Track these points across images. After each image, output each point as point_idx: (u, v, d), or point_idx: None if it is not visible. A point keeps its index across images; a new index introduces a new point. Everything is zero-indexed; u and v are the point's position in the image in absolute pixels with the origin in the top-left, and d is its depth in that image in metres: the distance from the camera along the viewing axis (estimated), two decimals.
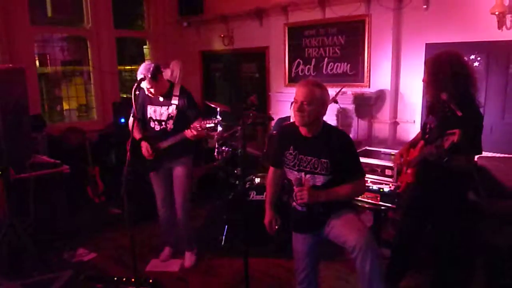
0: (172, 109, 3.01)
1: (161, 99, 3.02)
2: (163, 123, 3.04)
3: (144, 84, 2.88)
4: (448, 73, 2.22)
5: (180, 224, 3.25)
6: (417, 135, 2.71)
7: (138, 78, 2.77)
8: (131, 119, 3.06)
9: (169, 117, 3.02)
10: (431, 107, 2.47)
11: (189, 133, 2.91)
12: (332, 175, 2.16)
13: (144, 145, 3.04)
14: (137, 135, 3.08)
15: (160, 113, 3.04)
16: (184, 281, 3.09)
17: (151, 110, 3.06)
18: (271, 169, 2.48)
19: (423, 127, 2.53)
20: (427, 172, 2.40)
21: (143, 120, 3.12)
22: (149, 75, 2.83)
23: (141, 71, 2.85)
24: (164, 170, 3.17)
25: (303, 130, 2.21)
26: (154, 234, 3.75)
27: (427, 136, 2.44)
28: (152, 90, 2.91)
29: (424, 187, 2.46)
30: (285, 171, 2.33)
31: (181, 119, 3.01)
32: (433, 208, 2.41)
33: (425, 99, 3.67)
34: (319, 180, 2.17)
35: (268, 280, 3.05)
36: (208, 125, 2.85)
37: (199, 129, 2.86)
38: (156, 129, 3.07)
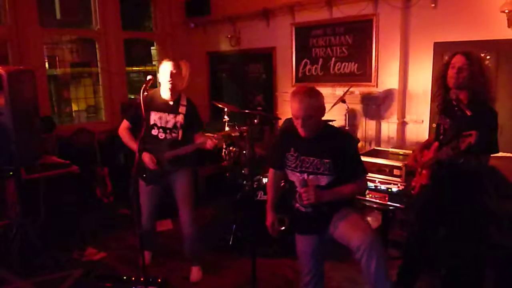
0: (180, 118, 2.92)
1: (171, 103, 2.92)
2: (168, 131, 2.92)
3: (166, 79, 2.82)
4: (478, 73, 2.24)
5: (189, 238, 3.07)
6: (430, 137, 2.69)
7: (147, 79, 2.75)
8: (123, 126, 2.99)
9: (177, 126, 2.92)
10: (443, 107, 2.46)
11: (210, 143, 2.80)
12: (336, 174, 2.16)
13: (148, 156, 2.87)
14: (134, 145, 2.88)
15: (166, 120, 2.92)
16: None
17: (156, 117, 2.92)
18: (271, 171, 2.48)
19: (437, 127, 2.52)
20: (442, 173, 2.38)
21: (134, 128, 2.98)
22: (179, 69, 2.82)
23: (170, 65, 2.83)
24: (161, 182, 3.01)
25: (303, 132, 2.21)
26: (163, 234, 3.78)
27: (441, 137, 2.43)
28: (170, 91, 2.86)
29: (438, 188, 2.44)
30: (286, 173, 2.33)
31: (187, 129, 2.95)
32: (446, 209, 2.39)
33: (434, 99, 3.63)
34: (323, 180, 2.17)
35: (275, 280, 3.06)
36: (233, 134, 2.91)
37: (220, 140, 2.82)
38: (160, 137, 2.93)
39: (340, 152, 2.15)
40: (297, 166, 2.22)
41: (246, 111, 3.68)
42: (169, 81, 2.83)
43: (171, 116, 2.92)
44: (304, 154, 2.20)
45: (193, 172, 3.12)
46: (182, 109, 2.93)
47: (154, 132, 2.93)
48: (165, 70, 2.84)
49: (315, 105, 2.10)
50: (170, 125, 2.92)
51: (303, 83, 4.92)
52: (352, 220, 2.18)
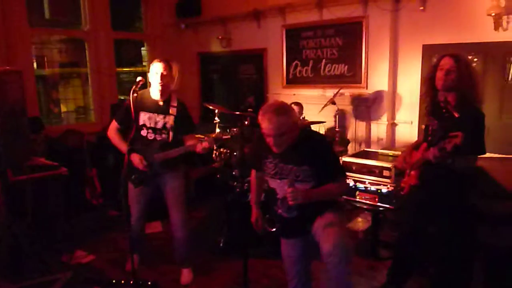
0: (171, 119, 2.86)
1: (160, 103, 2.87)
2: (158, 132, 2.87)
3: (156, 80, 2.77)
4: (466, 75, 2.26)
5: (180, 242, 3.04)
6: (419, 138, 2.72)
7: (137, 80, 2.67)
8: (112, 127, 2.92)
9: (167, 127, 2.86)
10: (431, 109, 2.48)
11: (200, 146, 2.78)
12: (315, 180, 2.14)
13: (137, 157, 2.80)
14: (123, 146, 2.81)
15: (155, 121, 2.86)
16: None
17: (145, 117, 2.85)
18: (253, 171, 2.50)
19: (425, 129, 2.54)
20: (430, 173, 2.40)
21: (124, 129, 2.90)
22: (169, 70, 2.76)
23: (160, 66, 2.76)
24: (150, 184, 2.95)
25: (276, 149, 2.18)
26: (153, 236, 3.75)
27: (429, 138, 2.46)
28: (161, 89, 2.80)
29: (427, 189, 2.46)
30: (267, 180, 2.32)
31: (178, 131, 2.90)
32: (435, 210, 2.42)
33: (422, 101, 3.67)
34: (304, 186, 2.14)
35: (265, 281, 3.05)
36: (224, 137, 2.86)
37: (211, 142, 2.80)
38: (150, 138, 2.87)
39: (317, 158, 2.13)
40: (277, 173, 2.21)
41: (237, 112, 3.67)
42: (159, 83, 2.80)
43: (161, 116, 2.87)
44: (283, 161, 2.18)
45: (184, 174, 3.09)
46: (173, 111, 2.88)
47: (143, 133, 2.88)
48: (155, 71, 2.80)
49: (286, 123, 2.04)
50: (159, 125, 2.87)
51: (292, 85, 4.95)
52: (329, 224, 2.12)
